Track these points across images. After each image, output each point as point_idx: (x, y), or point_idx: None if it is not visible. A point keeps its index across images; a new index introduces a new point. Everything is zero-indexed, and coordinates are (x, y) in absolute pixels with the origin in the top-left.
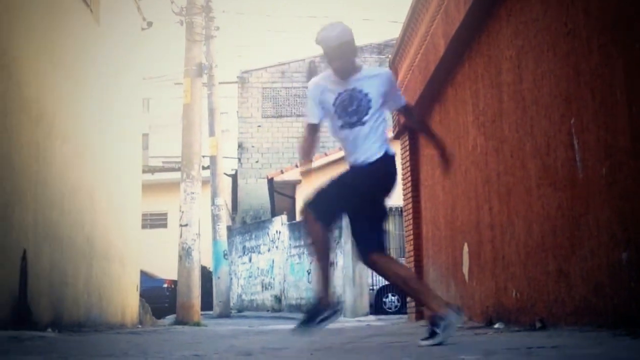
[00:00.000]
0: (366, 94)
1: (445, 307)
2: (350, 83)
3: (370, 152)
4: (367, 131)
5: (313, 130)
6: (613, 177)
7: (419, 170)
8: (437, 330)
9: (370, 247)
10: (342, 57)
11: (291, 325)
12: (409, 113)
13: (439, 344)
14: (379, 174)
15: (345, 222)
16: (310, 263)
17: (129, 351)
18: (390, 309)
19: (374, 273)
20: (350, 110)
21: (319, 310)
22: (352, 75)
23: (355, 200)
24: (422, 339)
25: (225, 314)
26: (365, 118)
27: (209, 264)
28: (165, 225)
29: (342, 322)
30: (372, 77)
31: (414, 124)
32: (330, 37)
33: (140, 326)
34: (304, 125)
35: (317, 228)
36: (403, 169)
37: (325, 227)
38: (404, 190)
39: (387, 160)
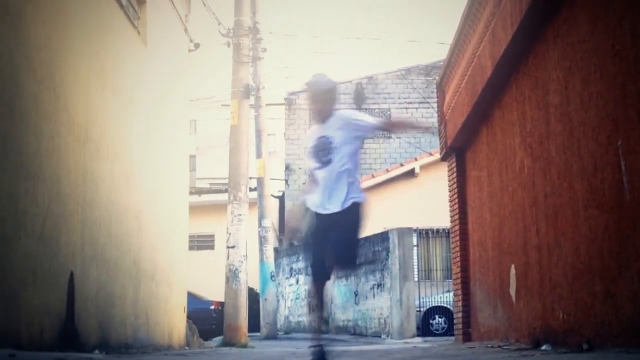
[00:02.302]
0: (330, 141)
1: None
2: (323, 130)
3: (341, 197)
4: (336, 174)
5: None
6: None
7: (465, 192)
8: None
9: None
10: (323, 102)
11: (339, 348)
12: (389, 128)
13: None
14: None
15: (392, 244)
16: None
17: None
18: (437, 330)
19: (421, 295)
20: (322, 154)
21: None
22: (326, 122)
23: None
24: None
25: (272, 336)
26: (330, 157)
27: (256, 285)
28: (212, 247)
29: (389, 344)
30: (337, 122)
31: (400, 130)
32: (319, 82)
33: (187, 348)
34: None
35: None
36: (450, 191)
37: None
38: (451, 212)
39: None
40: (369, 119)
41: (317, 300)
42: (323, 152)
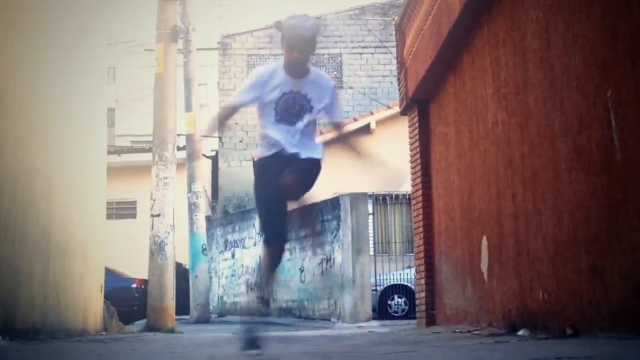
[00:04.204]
0: (309, 100)
1: None
2: (298, 85)
3: (311, 150)
4: (299, 138)
5: (233, 111)
6: None
7: (430, 152)
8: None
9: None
10: (304, 50)
11: (282, 333)
12: (338, 129)
13: None
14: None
15: (344, 212)
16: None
17: None
18: (397, 313)
19: (378, 272)
20: (293, 112)
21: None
22: (301, 77)
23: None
24: None
25: (204, 319)
26: (300, 120)
27: (186, 260)
28: (134, 216)
29: (341, 329)
30: (319, 85)
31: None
32: (304, 26)
33: (105, 333)
34: (227, 105)
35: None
36: (411, 151)
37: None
38: (412, 175)
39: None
40: (340, 111)
41: (270, 271)
42: (294, 111)
